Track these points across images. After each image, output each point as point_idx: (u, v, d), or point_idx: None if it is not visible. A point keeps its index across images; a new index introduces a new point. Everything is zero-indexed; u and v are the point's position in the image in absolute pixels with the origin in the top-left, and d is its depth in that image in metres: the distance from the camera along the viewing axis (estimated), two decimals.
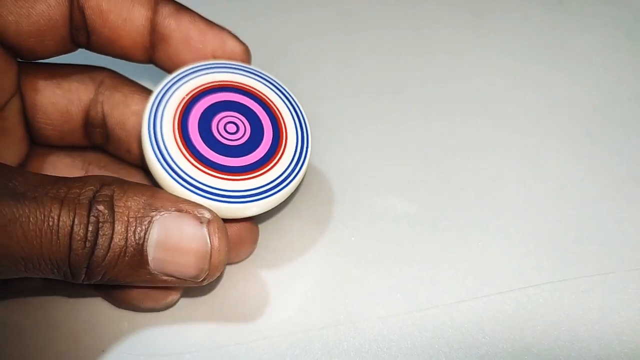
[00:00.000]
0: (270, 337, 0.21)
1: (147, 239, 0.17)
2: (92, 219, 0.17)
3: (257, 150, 0.20)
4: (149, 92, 0.22)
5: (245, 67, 0.22)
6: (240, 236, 0.21)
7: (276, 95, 0.22)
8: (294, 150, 0.20)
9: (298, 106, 0.22)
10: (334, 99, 0.28)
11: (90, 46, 0.21)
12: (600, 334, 0.21)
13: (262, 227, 0.23)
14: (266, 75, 0.22)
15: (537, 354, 0.20)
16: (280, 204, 0.20)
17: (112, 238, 0.17)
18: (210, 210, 0.18)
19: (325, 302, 0.22)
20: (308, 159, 0.21)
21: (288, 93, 0.22)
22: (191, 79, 0.21)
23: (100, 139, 0.23)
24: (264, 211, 0.20)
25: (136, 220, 0.17)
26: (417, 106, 0.28)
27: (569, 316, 0.21)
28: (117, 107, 0.22)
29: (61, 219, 0.16)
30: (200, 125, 0.20)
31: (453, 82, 0.29)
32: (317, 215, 0.24)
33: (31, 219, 0.16)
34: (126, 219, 0.17)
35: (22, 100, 0.21)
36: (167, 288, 0.20)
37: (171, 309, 0.22)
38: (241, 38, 0.22)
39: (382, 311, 0.21)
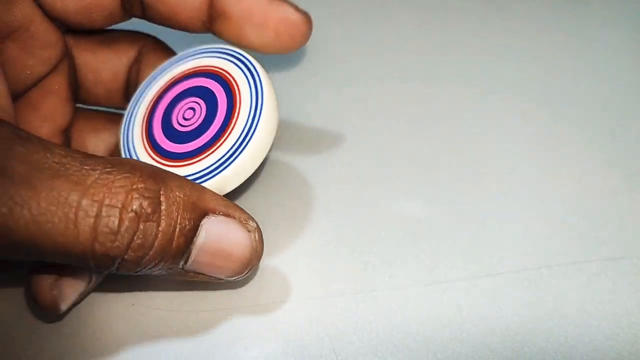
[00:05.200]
0: (289, 302, 0.22)
1: (195, 242, 0.17)
2: (130, 214, 0.16)
3: (203, 136, 0.20)
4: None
5: (221, 49, 0.22)
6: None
7: (239, 71, 0.21)
8: (242, 127, 0.20)
9: (260, 79, 0.20)
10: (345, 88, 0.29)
11: (145, 17, 0.22)
12: (610, 314, 0.21)
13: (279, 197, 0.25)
14: (237, 52, 0.21)
15: (548, 328, 0.21)
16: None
17: (156, 238, 0.16)
18: (251, 218, 0.19)
19: (344, 271, 0.23)
20: (259, 131, 0.20)
21: (252, 65, 0.21)
22: (168, 71, 0.22)
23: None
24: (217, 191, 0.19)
25: (186, 222, 0.17)
26: (438, 96, 0.28)
27: (580, 296, 0.22)
28: (151, 69, 0.23)
29: (82, 205, 0.15)
30: (164, 114, 0.21)
31: (475, 75, 0.29)
32: (340, 190, 0.25)
33: (41, 202, 0.15)
34: (174, 220, 0.16)
35: (73, 61, 0.23)
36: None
37: None
38: None
39: (399, 283, 0.22)
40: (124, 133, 0.21)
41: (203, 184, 0.19)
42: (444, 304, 0.22)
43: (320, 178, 0.25)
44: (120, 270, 0.17)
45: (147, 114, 0.21)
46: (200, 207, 0.17)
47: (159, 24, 0.22)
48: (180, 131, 0.20)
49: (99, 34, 0.23)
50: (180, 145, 0.20)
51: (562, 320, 0.21)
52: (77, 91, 0.23)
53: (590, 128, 0.27)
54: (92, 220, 0.15)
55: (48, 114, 0.22)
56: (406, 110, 0.28)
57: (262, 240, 0.19)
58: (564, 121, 0.27)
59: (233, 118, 0.20)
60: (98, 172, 0.16)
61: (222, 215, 0.18)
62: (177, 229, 0.16)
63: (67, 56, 0.22)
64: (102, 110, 0.25)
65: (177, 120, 0.21)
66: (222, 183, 0.20)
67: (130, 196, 0.16)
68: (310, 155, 0.26)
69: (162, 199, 0.16)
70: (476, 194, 0.25)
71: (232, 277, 0.19)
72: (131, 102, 0.22)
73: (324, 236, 0.24)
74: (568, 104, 0.28)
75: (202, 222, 0.17)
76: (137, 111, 0.22)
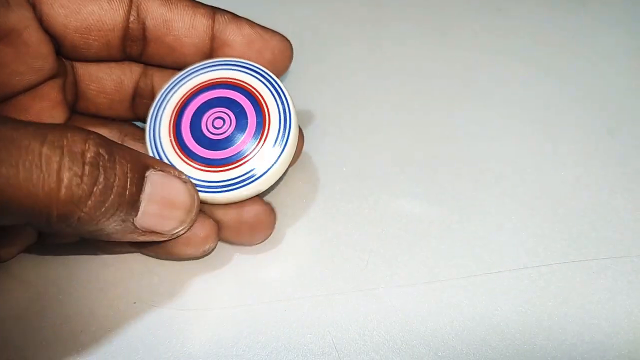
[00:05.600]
0: (292, 299, 0.22)
1: (143, 192, 0.18)
2: (89, 159, 0.16)
3: (238, 144, 0.21)
4: None
5: (240, 62, 0.23)
6: (259, 220, 0.22)
7: (264, 86, 0.22)
8: (273, 142, 0.21)
9: (285, 96, 0.22)
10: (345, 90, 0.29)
11: (143, 57, 0.23)
12: (610, 313, 0.22)
13: (282, 195, 0.25)
14: (258, 68, 0.23)
15: (548, 327, 0.21)
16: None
17: (114, 183, 0.17)
18: (184, 174, 0.20)
19: (346, 269, 0.23)
20: (288, 149, 0.21)
21: (277, 83, 0.22)
22: (189, 80, 0.23)
23: (145, 111, 0.23)
24: (245, 198, 0.21)
25: (135, 171, 0.18)
26: (439, 95, 0.29)
27: (580, 295, 0.22)
28: (159, 83, 0.24)
29: (43, 150, 0.16)
30: (192, 121, 0.22)
31: (476, 74, 0.30)
32: (340, 189, 0.25)
33: (2, 153, 0.15)
34: (126, 168, 0.18)
35: (72, 71, 0.23)
36: (204, 236, 0.21)
37: (199, 267, 0.23)
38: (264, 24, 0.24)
39: (399, 280, 0.22)
40: (150, 136, 0.22)
41: (238, 190, 0.21)
42: (444, 301, 0.22)
43: (321, 176, 0.25)
44: (78, 224, 0.17)
45: (173, 118, 0.22)
46: (142, 162, 0.19)
47: (157, 62, 0.23)
48: (211, 138, 0.22)
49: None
50: (212, 151, 0.21)
51: (562, 319, 0.21)
52: (75, 99, 0.23)
53: (589, 128, 0.27)
54: (56, 165, 0.16)
55: (36, 117, 0.22)
56: (407, 110, 0.28)
57: (197, 190, 0.21)
58: (563, 121, 0.27)
59: (264, 130, 0.21)
60: (51, 127, 0.16)
61: (160, 170, 0.19)
62: (129, 178, 0.18)
63: (61, 68, 0.22)
64: (96, 116, 0.24)
65: (207, 127, 0.22)
66: (254, 190, 0.21)
67: (87, 144, 0.17)
68: (312, 154, 0.26)
69: (114, 150, 0.17)
70: (476, 193, 0.25)
71: (177, 228, 0.20)
72: (153, 107, 0.22)
73: (325, 234, 0.24)
74: (567, 104, 0.28)
75: (146, 175, 0.19)
76: (162, 115, 0.22)
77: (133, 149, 0.19)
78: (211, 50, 0.23)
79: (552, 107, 0.28)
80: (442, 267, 0.23)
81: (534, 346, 0.21)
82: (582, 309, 0.22)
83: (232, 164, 0.21)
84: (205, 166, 0.21)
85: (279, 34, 0.23)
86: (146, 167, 0.19)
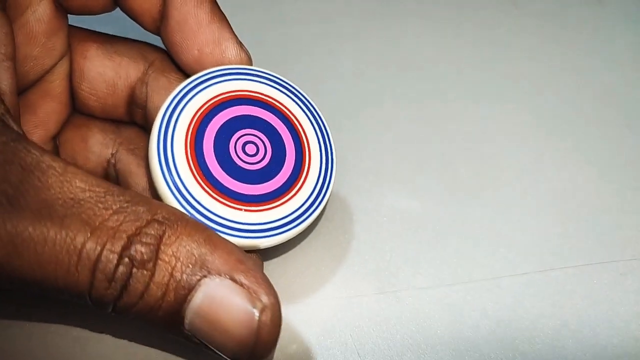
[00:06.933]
0: (311, 303, 0.21)
1: (189, 301, 0.15)
2: (125, 259, 0.14)
3: (277, 177, 0.18)
4: None
5: (265, 74, 0.20)
6: None
7: (298, 109, 0.20)
8: (316, 176, 0.19)
9: (323, 123, 0.20)
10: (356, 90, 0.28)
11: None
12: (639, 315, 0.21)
13: None
14: (286, 83, 0.20)
15: (576, 330, 0.21)
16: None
17: (147, 288, 0.15)
18: (268, 292, 0.15)
19: (368, 271, 0.22)
20: (331, 187, 0.19)
21: (311, 105, 0.20)
22: (204, 88, 0.19)
23: (141, 119, 0.22)
24: (280, 243, 0.18)
25: (182, 276, 0.15)
26: (457, 91, 0.28)
27: (607, 296, 0.21)
28: (158, 92, 0.21)
29: (85, 248, 0.14)
30: (216, 145, 0.18)
31: (494, 70, 0.29)
32: (358, 186, 0.24)
33: (48, 241, 0.14)
34: (170, 271, 0.15)
35: (70, 66, 0.21)
36: None
37: None
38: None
39: (423, 282, 0.22)
40: (160, 158, 0.17)
41: (267, 239, 0.17)
42: (469, 304, 0.21)
43: (339, 174, 0.25)
44: (117, 314, 0.15)
45: (190, 138, 0.18)
46: (204, 264, 0.15)
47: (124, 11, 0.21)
48: (244, 168, 0.18)
49: (101, 41, 0.21)
50: (247, 185, 0.18)
51: (591, 321, 0.21)
52: (73, 98, 0.22)
53: (610, 125, 0.27)
54: (91, 264, 0.14)
55: (43, 119, 0.21)
56: (424, 106, 0.27)
57: (276, 323, 0.15)
58: (584, 118, 0.27)
59: (305, 160, 0.19)
60: (111, 211, 0.14)
61: (227, 279, 0.15)
62: (173, 285, 0.15)
63: (68, 56, 0.21)
64: (93, 117, 0.23)
65: (237, 153, 0.18)
66: (289, 236, 0.18)
67: (130, 240, 0.14)
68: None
69: (162, 247, 0.15)
70: (498, 191, 0.24)
71: (233, 357, 0.16)
72: (159, 122, 0.18)
73: (346, 235, 0.23)
74: (588, 101, 0.27)
75: (201, 282, 0.15)
76: (174, 133, 0.18)
77: (206, 240, 0.15)
78: (160, 18, 0.20)
79: (572, 104, 0.27)
80: (466, 268, 0.22)
81: (563, 350, 0.20)
82: (611, 311, 0.21)
83: (271, 202, 0.18)
84: (238, 203, 0.17)
85: (228, 30, 0.20)
86: (206, 270, 0.15)
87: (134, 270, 0.14)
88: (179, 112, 0.18)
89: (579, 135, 0.26)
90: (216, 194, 0.17)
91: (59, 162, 0.15)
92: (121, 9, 0.21)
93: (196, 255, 0.15)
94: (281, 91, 0.20)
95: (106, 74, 0.21)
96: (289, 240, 0.18)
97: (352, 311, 0.21)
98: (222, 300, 0.15)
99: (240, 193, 0.18)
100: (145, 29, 0.21)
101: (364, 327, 0.21)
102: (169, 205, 0.16)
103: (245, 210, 0.17)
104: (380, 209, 0.24)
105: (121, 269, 0.14)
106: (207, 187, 0.17)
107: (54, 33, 0.20)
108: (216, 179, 0.17)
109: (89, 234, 0.14)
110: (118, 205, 0.15)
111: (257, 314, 0.15)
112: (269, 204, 0.18)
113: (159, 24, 0.20)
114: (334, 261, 0.22)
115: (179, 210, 0.16)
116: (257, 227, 0.17)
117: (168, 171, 0.17)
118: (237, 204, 0.17)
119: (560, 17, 0.31)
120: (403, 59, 0.29)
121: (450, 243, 0.23)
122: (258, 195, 0.18)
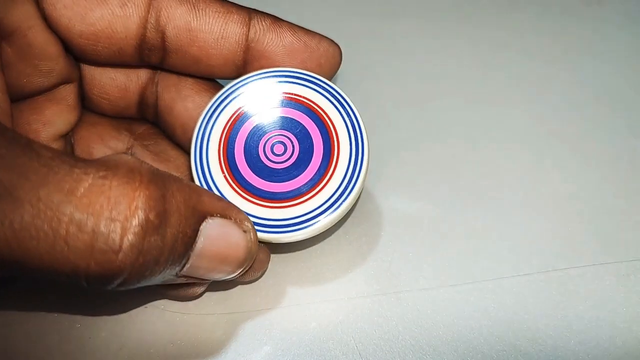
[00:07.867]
0: (317, 302, 0.21)
1: (194, 248, 0.16)
2: (136, 228, 0.14)
3: (303, 174, 0.19)
4: (204, 79, 0.22)
5: (307, 76, 0.20)
6: (260, 259, 0.20)
7: (334, 109, 0.20)
8: (343, 173, 0.19)
9: (358, 121, 0.20)
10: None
11: (164, 64, 0.21)
12: None
13: None
14: (327, 84, 0.20)
15: (579, 331, 0.21)
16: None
17: (162, 252, 0.15)
18: (244, 216, 0.17)
19: (370, 272, 0.22)
20: (360, 184, 0.19)
21: (349, 105, 0.20)
22: (238, 94, 0.20)
23: (152, 116, 0.22)
24: (303, 239, 0.19)
25: (188, 226, 0.15)
26: (462, 93, 0.28)
27: (610, 298, 0.21)
28: (169, 90, 0.21)
29: (74, 219, 0.13)
30: (246, 147, 0.19)
31: (494, 72, 0.29)
32: (364, 189, 0.24)
33: (25, 216, 0.13)
34: (178, 227, 0.15)
35: (80, 72, 0.21)
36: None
37: None
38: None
39: (425, 284, 0.22)
40: (196, 162, 0.19)
41: (297, 232, 0.19)
42: (471, 305, 0.21)
43: None
44: (118, 288, 0.15)
45: (224, 141, 0.19)
46: (199, 211, 0.16)
47: (180, 71, 0.21)
48: (271, 167, 0.19)
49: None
50: (271, 183, 0.19)
51: (593, 323, 0.21)
52: (84, 99, 0.22)
53: (612, 127, 0.26)
54: (87, 236, 0.13)
55: (50, 118, 0.20)
56: (427, 108, 0.27)
57: (257, 239, 0.18)
58: (586, 120, 0.27)
59: (331, 164, 0.19)
60: (91, 176, 0.14)
61: (219, 217, 0.16)
62: (180, 238, 0.15)
63: (76, 72, 0.21)
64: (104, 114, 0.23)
65: (266, 153, 0.19)
66: (314, 231, 0.19)
67: (133, 206, 0.14)
68: None
69: (166, 206, 0.15)
70: (501, 193, 0.24)
71: (224, 278, 0.18)
72: (198, 126, 0.20)
73: (347, 236, 0.23)
74: (590, 104, 0.27)
75: (201, 227, 0.16)
76: (209, 137, 0.19)
77: (192, 192, 0.16)
78: (244, 62, 0.20)
79: (575, 106, 0.27)
80: (468, 269, 0.22)
81: (566, 351, 0.20)
82: (613, 312, 0.21)
83: (291, 200, 0.19)
84: (263, 200, 0.19)
85: (326, 39, 0.21)
86: (203, 218, 0.16)
87: (147, 237, 0.14)
88: (218, 113, 0.20)
89: (581, 136, 0.26)
90: (243, 191, 0.19)
91: (21, 135, 0.14)
92: (183, 70, 0.21)
93: (191, 207, 0.16)
94: (320, 93, 0.20)
95: (118, 78, 0.21)
96: (312, 237, 0.19)
97: (354, 312, 0.21)
98: (219, 236, 0.16)
99: (264, 190, 0.19)
100: (220, 78, 0.21)
101: (365, 328, 0.21)
102: (142, 161, 0.16)
103: (269, 207, 0.19)
104: (382, 210, 0.24)
105: (131, 238, 0.14)
106: (236, 186, 0.19)
107: (47, 58, 0.19)
108: (244, 178, 0.19)
109: (75, 203, 0.13)
110: (95, 169, 0.14)
111: (248, 236, 0.17)
112: (291, 201, 0.19)
113: (242, 69, 0.21)
114: (336, 262, 0.22)
115: (156, 168, 0.16)
116: (280, 222, 0.19)
117: (202, 172, 0.19)
118: (262, 201, 0.19)
119: (560, 17, 0.31)
120: (404, 61, 0.29)
121: (452, 244, 0.23)
122: (282, 192, 0.19)
